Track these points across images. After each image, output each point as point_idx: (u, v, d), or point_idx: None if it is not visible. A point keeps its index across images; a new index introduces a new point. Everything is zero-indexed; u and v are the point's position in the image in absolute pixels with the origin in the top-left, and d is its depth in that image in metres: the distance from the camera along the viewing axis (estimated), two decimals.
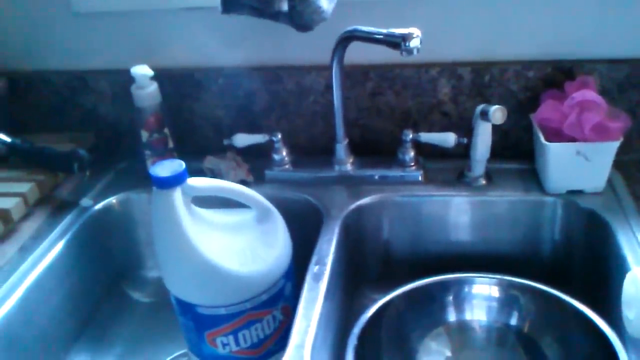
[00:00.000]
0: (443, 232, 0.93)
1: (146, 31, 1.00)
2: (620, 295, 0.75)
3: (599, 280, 0.82)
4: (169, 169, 0.72)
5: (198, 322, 0.78)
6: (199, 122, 1.05)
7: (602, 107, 0.82)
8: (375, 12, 0.92)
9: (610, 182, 0.88)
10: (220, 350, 0.79)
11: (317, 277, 0.76)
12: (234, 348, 0.79)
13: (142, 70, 0.92)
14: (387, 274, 0.95)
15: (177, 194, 0.72)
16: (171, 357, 0.90)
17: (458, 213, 0.92)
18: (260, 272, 0.77)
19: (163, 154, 0.99)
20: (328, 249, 0.81)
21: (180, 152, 0.99)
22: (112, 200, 0.97)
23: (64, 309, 0.87)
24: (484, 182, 0.93)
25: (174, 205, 0.72)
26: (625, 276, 0.74)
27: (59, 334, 0.86)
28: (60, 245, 0.87)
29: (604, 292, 0.80)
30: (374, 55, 0.93)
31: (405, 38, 0.72)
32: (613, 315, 0.74)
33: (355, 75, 0.96)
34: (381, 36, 0.77)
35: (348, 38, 0.83)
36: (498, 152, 0.96)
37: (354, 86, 0.97)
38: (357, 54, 0.88)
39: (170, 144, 1.00)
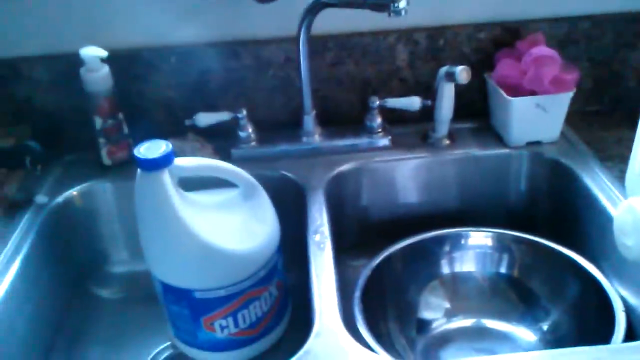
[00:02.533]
0: (417, 193, 0.96)
1: (87, 10, 0.92)
2: (594, 231, 0.82)
3: (570, 222, 0.89)
4: (155, 150, 0.68)
5: (194, 308, 0.75)
6: (150, 105, 0.99)
7: (557, 61, 0.88)
8: None
9: (562, 132, 0.95)
10: (219, 334, 0.77)
11: (320, 246, 0.75)
12: (233, 330, 0.77)
13: (93, 52, 0.86)
14: (366, 239, 0.96)
15: (166, 176, 0.69)
16: (155, 351, 0.85)
17: (429, 173, 0.95)
18: (257, 249, 0.76)
19: (118, 140, 0.93)
20: (321, 218, 0.80)
21: (134, 138, 0.94)
22: (73, 193, 0.90)
23: (40, 314, 0.81)
24: (448, 142, 0.97)
25: (164, 188, 0.68)
26: (598, 214, 0.81)
27: (36, 342, 0.79)
28: (25, 247, 0.79)
29: (576, 232, 0.87)
30: (332, 25, 0.93)
31: None
32: (588, 250, 0.81)
33: (314, 46, 0.96)
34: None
35: (322, 5, 0.83)
36: (454, 112, 1.01)
37: (314, 57, 0.96)
38: (315, 24, 0.87)
39: (125, 130, 0.94)
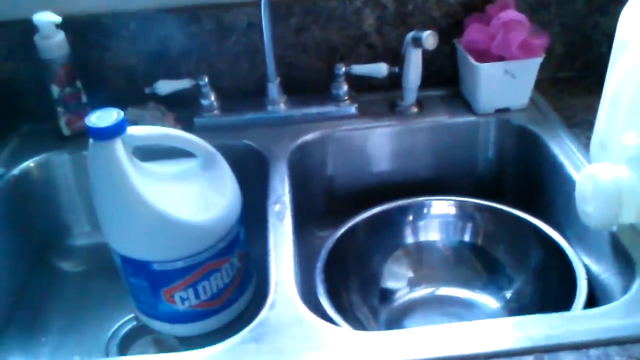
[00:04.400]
0: (385, 162, 0.94)
1: None
2: (559, 199, 0.81)
3: (536, 190, 0.88)
4: (107, 118, 0.66)
5: (153, 280, 0.73)
6: (110, 73, 0.96)
7: (526, 26, 0.86)
8: None
9: (531, 99, 0.94)
10: (179, 306, 0.76)
11: (280, 216, 0.74)
12: (194, 302, 0.76)
13: (46, 17, 0.83)
14: (334, 210, 0.95)
15: (119, 145, 0.66)
16: (118, 323, 0.84)
17: (397, 142, 0.93)
18: (215, 220, 0.74)
19: (77, 109, 0.91)
20: (283, 188, 0.79)
21: (93, 107, 0.91)
22: (30, 164, 0.87)
23: None
24: (416, 109, 0.95)
25: (116, 158, 0.66)
26: (563, 181, 0.80)
27: None
28: None
29: (542, 200, 0.86)
30: None
31: None
32: (553, 218, 0.81)
33: (278, 12, 0.93)
34: None
35: None
36: (422, 79, 0.99)
37: (278, 23, 0.94)
38: None
39: (84, 98, 0.91)
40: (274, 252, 0.69)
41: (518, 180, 0.93)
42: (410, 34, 0.87)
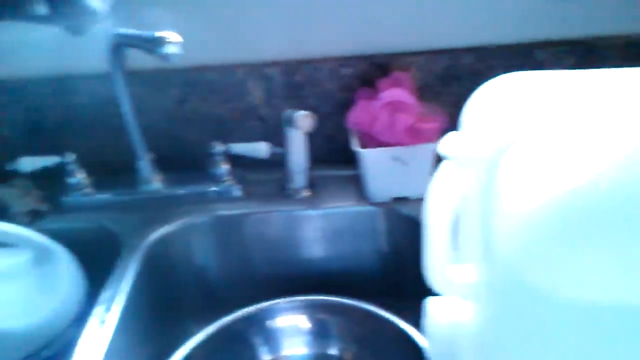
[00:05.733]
0: (264, 252, 0.84)
1: None
2: None
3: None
4: None
5: None
6: None
7: (414, 107, 0.75)
8: (167, 9, 0.80)
9: None
10: None
11: (102, 322, 0.64)
12: None
13: None
14: (212, 305, 0.84)
15: None
16: None
17: (279, 230, 0.83)
18: (35, 325, 0.66)
19: None
20: (118, 287, 0.69)
21: None
22: None
23: None
24: (306, 193, 0.84)
25: None
26: None
27: None
28: None
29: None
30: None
31: (158, 42, 0.61)
32: None
33: (157, 81, 0.85)
34: (139, 40, 0.65)
35: (118, 45, 0.71)
36: (324, 157, 0.89)
37: (159, 93, 0.86)
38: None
39: None
40: None
41: (415, 277, 0.81)
42: (286, 114, 0.77)
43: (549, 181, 0.36)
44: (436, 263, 0.50)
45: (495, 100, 0.46)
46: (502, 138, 0.41)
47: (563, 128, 0.38)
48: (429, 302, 0.53)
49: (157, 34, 0.65)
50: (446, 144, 0.47)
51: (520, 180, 0.38)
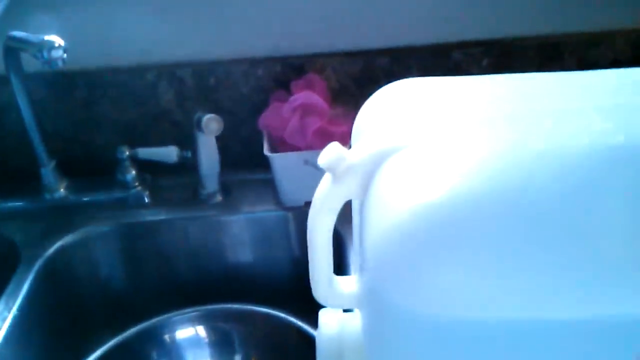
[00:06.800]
0: (174, 261, 0.81)
1: None
2: None
3: None
4: None
5: None
6: None
7: (325, 110, 0.73)
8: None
9: None
10: None
11: None
12: None
13: None
14: (120, 318, 0.80)
15: None
16: None
17: (189, 237, 0.80)
18: None
19: None
20: (10, 301, 0.65)
21: None
22: None
23: None
24: (220, 198, 0.82)
25: None
26: None
27: None
28: None
29: None
30: (82, 59, 0.78)
31: (42, 46, 0.58)
32: None
33: (61, 84, 0.81)
34: (25, 44, 0.62)
35: (10, 46, 0.68)
36: (241, 161, 0.86)
37: (64, 96, 0.82)
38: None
39: None
40: None
41: None
42: (195, 117, 0.75)
43: (411, 192, 0.34)
44: (318, 277, 0.48)
45: (383, 108, 0.44)
46: (381, 147, 0.39)
47: (440, 136, 0.37)
48: (321, 313, 0.51)
49: (46, 37, 0.61)
50: (325, 155, 0.45)
51: (387, 190, 0.36)
